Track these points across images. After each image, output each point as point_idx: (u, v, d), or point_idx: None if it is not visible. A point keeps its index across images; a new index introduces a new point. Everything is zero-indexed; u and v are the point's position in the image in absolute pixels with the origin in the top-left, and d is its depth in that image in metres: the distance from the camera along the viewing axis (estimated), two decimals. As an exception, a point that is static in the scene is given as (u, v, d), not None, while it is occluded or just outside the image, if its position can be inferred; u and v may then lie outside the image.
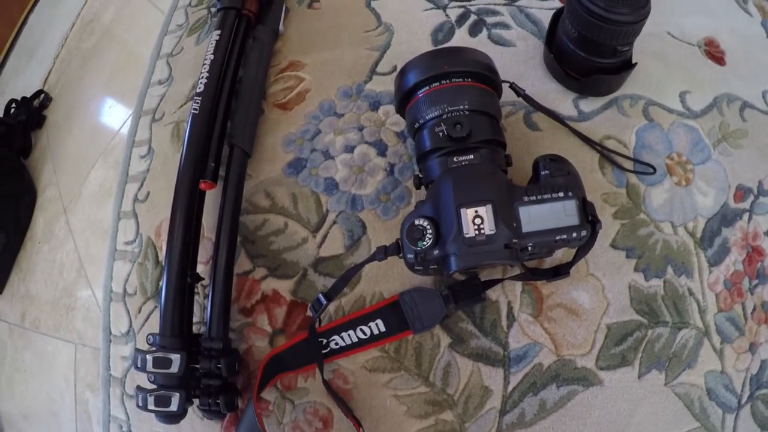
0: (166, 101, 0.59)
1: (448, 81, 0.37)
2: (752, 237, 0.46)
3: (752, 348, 0.44)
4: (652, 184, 0.46)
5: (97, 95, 0.75)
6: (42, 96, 0.86)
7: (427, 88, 0.38)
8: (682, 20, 0.58)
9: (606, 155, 0.46)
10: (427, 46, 0.52)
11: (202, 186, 0.47)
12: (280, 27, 0.55)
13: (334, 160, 0.47)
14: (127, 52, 0.73)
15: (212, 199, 0.49)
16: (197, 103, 0.48)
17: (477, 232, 0.32)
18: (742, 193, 0.47)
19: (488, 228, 0.32)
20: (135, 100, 0.64)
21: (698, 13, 0.60)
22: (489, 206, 0.32)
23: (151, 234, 0.54)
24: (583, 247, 0.36)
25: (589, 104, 0.49)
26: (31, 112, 0.84)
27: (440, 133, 0.36)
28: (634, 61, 0.47)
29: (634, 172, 0.46)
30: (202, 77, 0.48)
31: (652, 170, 0.46)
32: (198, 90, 0.48)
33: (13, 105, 0.86)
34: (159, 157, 0.56)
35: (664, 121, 0.49)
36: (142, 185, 0.57)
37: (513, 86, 0.44)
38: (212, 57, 0.49)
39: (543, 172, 0.35)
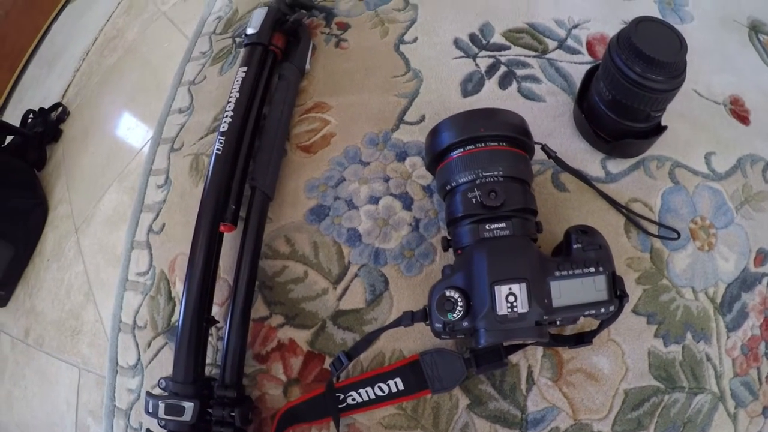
0: (186, 131, 0.58)
1: (483, 144, 0.37)
2: None
3: (765, 412, 0.43)
4: (675, 249, 0.45)
5: (116, 114, 0.74)
6: (60, 109, 0.84)
7: (462, 150, 0.37)
8: (709, 78, 0.57)
9: (632, 219, 0.45)
10: (457, 97, 0.51)
11: (222, 228, 0.46)
12: (307, 65, 0.54)
13: (358, 210, 0.46)
14: (149, 74, 0.73)
15: (231, 240, 0.48)
16: (220, 143, 0.47)
17: (510, 310, 0.31)
18: (762, 257, 0.46)
19: (521, 306, 0.31)
20: (154, 125, 0.63)
21: (725, 70, 0.59)
22: (524, 285, 0.32)
23: (165, 268, 0.53)
24: (608, 320, 0.36)
25: (616, 165, 0.48)
26: (48, 125, 0.83)
27: (473, 200, 0.35)
28: (663, 124, 0.46)
29: (660, 237, 0.45)
30: (227, 116, 0.47)
31: (676, 236, 0.45)
32: (222, 129, 0.47)
33: (31, 115, 0.85)
34: (176, 189, 0.55)
35: (689, 184, 0.49)
36: (157, 216, 0.56)
37: (545, 148, 0.43)
38: (237, 95, 0.48)
39: (575, 246, 0.35)
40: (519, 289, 0.31)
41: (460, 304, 0.32)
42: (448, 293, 0.32)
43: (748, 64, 0.61)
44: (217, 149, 0.46)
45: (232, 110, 0.48)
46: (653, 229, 0.46)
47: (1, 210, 0.71)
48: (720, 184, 0.49)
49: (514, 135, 0.38)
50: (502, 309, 0.31)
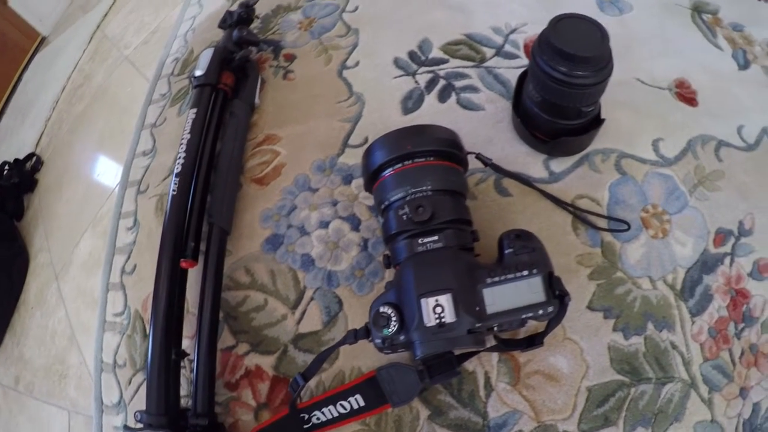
0: (151, 173, 0.62)
1: (411, 162, 0.39)
2: (735, 280, 0.46)
3: (743, 393, 0.44)
4: (627, 241, 0.47)
5: (87, 161, 0.79)
6: (34, 159, 0.90)
7: (391, 169, 0.40)
8: (652, 64, 0.59)
9: (578, 216, 0.48)
10: (397, 115, 0.55)
11: (183, 265, 0.49)
12: (256, 100, 0.58)
13: (310, 236, 0.50)
14: (116, 119, 0.78)
15: (196, 274, 0.52)
16: (176, 183, 0.51)
17: (438, 321, 0.33)
18: (722, 236, 0.48)
19: (449, 316, 0.33)
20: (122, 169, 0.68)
21: (667, 54, 0.61)
22: (449, 295, 0.34)
23: (139, 307, 0.57)
24: (554, 320, 0.38)
25: (559, 164, 0.51)
26: (24, 175, 0.88)
27: (404, 216, 0.38)
28: (603, 116, 0.48)
29: (608, 230, 0.47)
30: (180, 157, 0.52)
31: (626, 227, 0.47)
32: (176, 171, 0.51)
33: (6, 167, 0.90)
34: (144, 229, 0.60)
35: (637, 173, 0.50)
36: (129, 257, 0.60)
37: (479, 157, 0.46)
38: (189, 136, 0.52)
39: (507, 251, 0.36)
40: (445, 299, 0.34)
41: (393, 319, 0.35)
42: (381, 309, 0.35)
43: (691, 45, 0.63)
44: (173, 190, 0.51)
45: (184, 152, 0.52)
46: (602, 223, 0.47)
47: (-16, 262, 0.76)
48: (670, 169, 0.51)
49: (442, 149, 0.40)
50: (431, 321, 0.33)
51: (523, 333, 0.44)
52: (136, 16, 0.97)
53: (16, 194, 0.87)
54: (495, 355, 0.44)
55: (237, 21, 0.62)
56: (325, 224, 0.50)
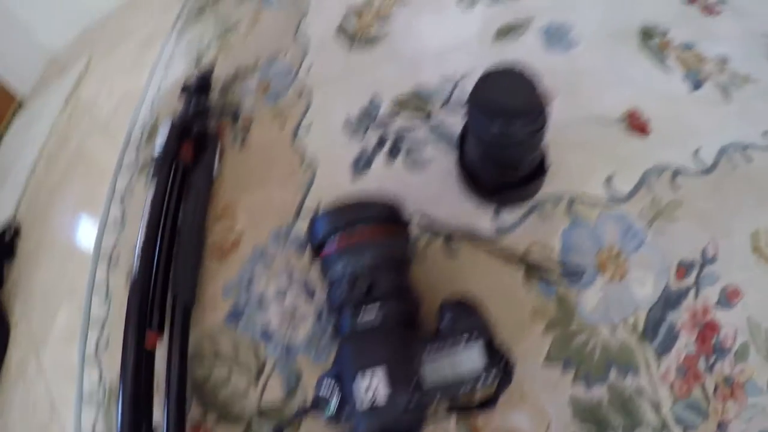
0: (121, 245, 0.66)
1: (349, 235, 0.41)
2: (702, 313, 0.46)
3: (721, 427, 0.43)
4: (583, 288, 0.47)
5: (64, 229, 0.82)
6: (12, 227, 0.93)
7: (332, 244, 0.42)
8: (601, 98, 0.61)
9: (528, 269, 0.48)
10: (348, 179, 0.58)
11: (149, 343, 0.51)
12: (215, 170, 0.61)
13: (268, 307, 0.52)
14: (90, 187, 0.81)
15: (163, 348, 0.54)
16: (138, 259, 0.53)
17: (373, 399, 0.34)
18: (684, 269, 0.47)
19: (382, 393, 0.34)
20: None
21: (617, 85, 0.62)
22: (383, 371, 0.35)
23: (114, 380, 0.59)
24: (502, 383, 0.38)
25: (509, 216, 0.52)
26: (3, 243, 0.91)
27: (344, 290, 0.40)
28: (552, 159, 0.50)
29: (561, 280, 0.47)
30: (141, 234, 0.55)
31: (579, 274, 0.47)
32: (138, 246, 0.54)
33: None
34: (116, 302, 0.62)
35: (590, 216, 0.51)
36: (102, 330, 0.63)
37: (420, 221, 0.48)
38: (149, 211, 0.56)
39: (444, 321, 0.38)
40: (379, 376, 0.35)
41: (333, 400, 0.36)
42: (321, 393, 0.37)
43: (641, 72, 0.64)
44: (135, 267, 0.53)
45: (145, 227, 0.55)
46: (555, 273, 0.48)
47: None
48: (625, 207, 0.51)
49: (381, 220, 0.42)
50: (366, 398, 0.35)
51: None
52: (107, 81, 1.02)
53: (-3, 263, 0.90)
54: (452, 420, 0.45)
55: (195, 91, 0.66)
56: (282, 295, 0.52)
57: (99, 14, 1.48)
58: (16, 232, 0.92)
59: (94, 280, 0.67)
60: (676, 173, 0.53)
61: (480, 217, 0.52)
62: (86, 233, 0.77)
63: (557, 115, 0.57)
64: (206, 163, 0.60)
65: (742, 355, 0.44)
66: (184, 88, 0.68)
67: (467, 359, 0.36)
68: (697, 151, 0.55)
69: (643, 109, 0.59)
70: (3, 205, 1.02)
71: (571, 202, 0.52)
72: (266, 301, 0.53)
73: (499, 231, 0.51)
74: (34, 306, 0.80)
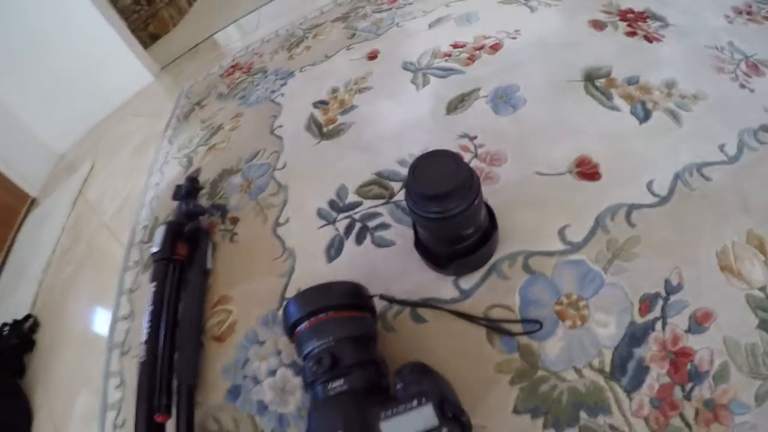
0: (131, 335, 0.74)
1: (314, 318, 0.46)
2: (672, 343, 0.47)
3: None
4: (544, 339, 0.49)
5: (79, 323, 0.91)
6: (31, 320, 1.02)
7: (301, 326, 0.47)
8: (550, 152, 0.66)
9: (490, 327, 0.52)
10: (323, 264, 0.65)
11: (158, 419, 0.59)
12: (209, 265, 0.70)
13: (262, 384, 0.59)
14: (100, 284, 0.91)
15: (172, 428, 0.61)
16: (143, 350, 0.62)
17: None
18: (648, 303, 0.49)
19: None
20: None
21: (564, 136, 0.67)
22: None
23: (130, 456, 0.65)
24: None
25: (468, 281, 0.56)
26: (22, 336, 0.99)
27: (312, 367, 0.44)
28: (505, 221, 0.55)
29: (521, 334, 0.50)
30: (144, 327, 0.63)
31: (538, 326, 0.50)
32: (143, 339, 0.63)
33: (6, 328, 1.02)
34: (129, 387, 0.70)
35: (546, 268, 0.54)
36: (119, 413, 0.70)
37: (383, 297, 0.55)
38: (151, 308, 0.64)
39: (398, 386, 0.40)
40: None
41: None
42: None
43: (588, 118, 0.69)
44: (141, 357, 0.61)
45: (148, 322, 0.63)
46: (517, 327, 0.51)
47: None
48: (581, 254, 0.54)
49: (342, 302, 0.48)
50: None
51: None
52: (111, 182, 1.15)
53: (17, 354, 0.97)
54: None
55: (185, 194, 0.76)
56: (273, 372, 0.59)
57: (100, 115, 1.65)
58: (34, 325, 1.01)
59: (109, 368, 0.75)
60: (630, 210, 0.56)
61: (442, 286, 0.57)
62: (99, 325, 0.86)
63: (507, 177, 0.66)
64: (199, 259, 0.70)
65: (721, 376, 0.44)
66: (176, 192, 0.78)
67: (420, 420, 0.37)
68: (650, 184, 0.58)
69: (592, 154, 0.64)
70: (21, 299, 1.11)
71: (527, 258, 0.56)
72: (260, 379, 0.59)
73: (462, 295, 0.55)
74: (54, 393, 0.87)
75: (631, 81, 0.72)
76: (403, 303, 0.55)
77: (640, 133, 0.65)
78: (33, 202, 1.46)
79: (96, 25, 1.59)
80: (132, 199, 0.99)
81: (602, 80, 0.73)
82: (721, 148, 0.61)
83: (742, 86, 0.69)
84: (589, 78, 0.74)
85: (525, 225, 0.58)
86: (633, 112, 0.67)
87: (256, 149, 0.90)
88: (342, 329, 0.47)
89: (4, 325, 1.03)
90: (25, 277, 1.18)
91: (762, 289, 0.48)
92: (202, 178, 0.89)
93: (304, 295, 0.50)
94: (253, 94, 1.10)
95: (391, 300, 0.55)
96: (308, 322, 0.47)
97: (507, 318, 0.52)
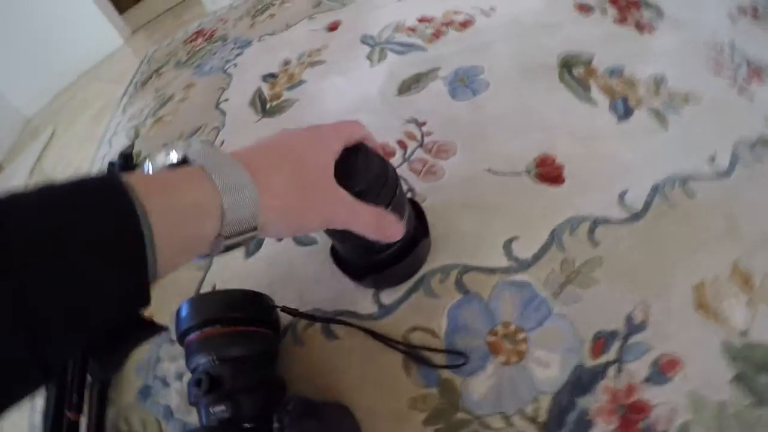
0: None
1: (202, 330, 0.41)
2: (626, 394, 0.38)
3: None
4: (471, 374, 0.41)
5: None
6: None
7: (189, 336, 0.42)
8: (508, 146, 0.56)
9: (408, 354, 0.43)
10: (240, 261, 0.57)
11: (71, 416, 0.55)
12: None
13: (170, 387, 0.54)
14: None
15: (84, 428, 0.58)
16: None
17: None
18: (602, 341, 0.40)
19: None
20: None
21: (528, 130, 0.57)
22: None
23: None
24: None
25: (391, 295, 0.47)
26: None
27: (193, 389, 0.39)
28: (443, 226, 0.47)
29: (443, 367, 0.42)
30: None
31: (462, 361, 0.42)
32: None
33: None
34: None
35: (483, 288, 0.45)
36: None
37: (284, 309, 0.47)
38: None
39: (275, 426, 0.36)
40: None
41: None
42: None
43: (557, 109, 0.59)
44: None
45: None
46: (440, 357, 0.42)
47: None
48: (527, 274, 0.45)
49: (236, 315, 0.41)
50: None
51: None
52: (66, 151, 1.08)
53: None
54: None
55: (117, 170, 0.71)
56: (180, 376, 0.54)
57: (69, 79, 1.58)
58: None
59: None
60: (595, 225, 0.47)
61: (360, 298, 0.48)
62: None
63: (453, 172, 0.56)
64: None
65: (682, 438, 0.35)
66: (109, 170, 0.73)
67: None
68: (623, 195, 0.49)
69: (558, 153, 0.54)
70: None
71: (462, 274, 0.46)
72: (168, 382, 0.54)
73: (380, 312, 0.47)
74: None
75: (614, 72, 0.62)
76: (309, 317, 0.48)
77: (617, 132, 0.55)
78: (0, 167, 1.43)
79: None
80: (82, 170, 0.93)
81: (581, 68, 0.63)
82: (711, 159, 0.51)
83: (741, 92, 0.59)
84: (566, 65, 0.64)
85: (466, 232, 0.49)
86: (612, 108, 0.57)
87: (198, 124, 0.83)
88: (228, 347, 0.41)
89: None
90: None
91: (743, 334, 0.39)
92: (144, 152, 0.83)
93: (197, 302, 0.44)
94: (208, 64, 1.02)
95: (295, 313, 0.47)
96: (198, 332, 0.42)
97: (428, 345, 0.43)
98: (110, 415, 0.57)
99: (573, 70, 0.63)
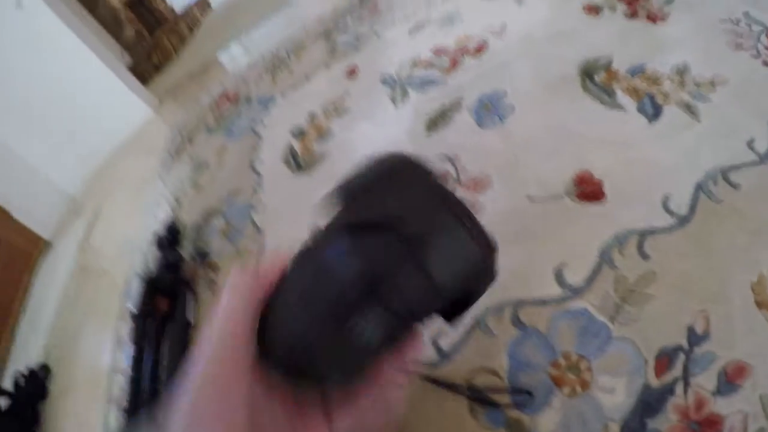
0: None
1: None
2: (695, 409, 0.37)
3: None
4: (537, 410, 0.40)
5: (85, 371, 0.93)
6: (43, 368, 1.05)
7: None
8: (543, 170, 0.56)
9: (472, 397, 0.43)
10: None
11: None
12: (190, 318, 0.69)
13: None
14: (103, 333, 0.92)
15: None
16: (126, 407, 0.62)
17: None
18: (666, 359, 0.40)
19: None
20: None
21: (559, 149, 0.57)
22: None
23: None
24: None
25: (448, 340, 0.47)
26: (37, 384, 1.03)
27: None
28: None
29: (509, 406, 0.42)
30: (125, 393, 0.63)
31: (527, 398, 0.41)
32: (123, 406, 0.63)
33: (21, 377, 1.06)
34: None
35: (540, 321, 0.45)
36: None
37: None
38: (131, 374, 0.64)
39: None
40: None
41: None
42: None
43: (586, 120, 0.59)
44: (125, 410, 0.62)
45: (129, 387, 0.63)
46: (505, 398, 0.42)
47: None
48: (581, 300, 0.45)
49: None
50: None
51: None
52: (113, 226, 1.17)
53: (32, 403, 1.01)
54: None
55: (166, 244, 0.76)
56: None
57: (105, 154, 1.70)
58: (46, 373, 1.05)
59: (108, 423, 0.75)
60: (643, 237, 0.46)
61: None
62: (102, 376, 0.87)
63: (492, 207, 0.57)
64: (179, 313, 0.68)
65: (758, 446, 0.34)
66: (157, 243, 0.78)
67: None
68: (666, 201, 0.48)
69: (594, 167, 0.54)
70: (35, 347, 1.16)
71: (517, 309, 0.46)
72: None
73: (440, 358, 0.46)
74: None
75: (635, 71, 0.61)
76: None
77: (650, 135, 0.54)
78: (47, 244, 1.53)
79: (93, 67, 1.67)
80: (130, 245, 1.00)
81: (601, 73, 0.63)
82: (750, 144, 0.50)
83: (767, 63, 0.57)
84: (587, 72, 0.64)
85: (514, 266, 0.48)
86: (640, 110, 0.57)
87: (235, 187, 0.88)
88: None
89: (21, 374, 1.08)
90: (39, 322, 1.23)
91: (812, 328, 0.38)
92: (189, 221, 0.88)
93: None
94: (236, 125, 1.08)
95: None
96: None
97: (492, 386, 0.43)
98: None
99: (594, 77, 0.64)
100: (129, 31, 2.66)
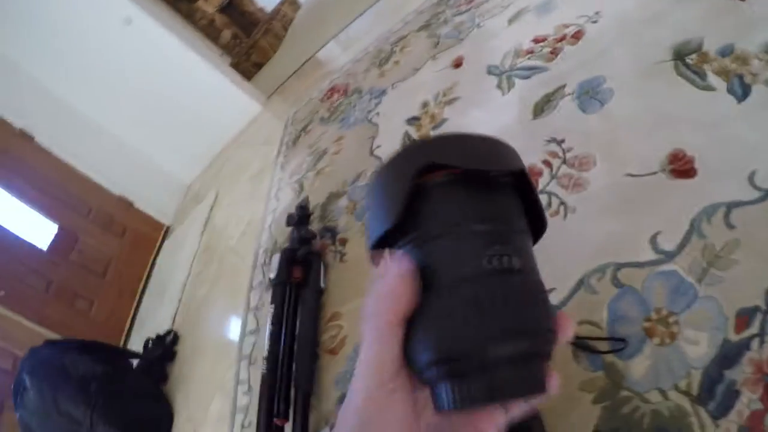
0: (257, 349, 0.88)
1: None
2: None
3: None
4: (630, 357, 0.48)
5: (212, 336, 1.10)
6: (172, 334, 1.23)
7: None
8: (639, 148, 0.62)
9: (575, 344, 0.51)
10: None
11: (277, 422, 0.70)
12: (322, 284, 0.81)
13: None
14: (230, 301, 1.08)
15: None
16: (264, 365, 0.76)
17: None
18: (745, 318, 0.45)
19: None
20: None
21: (655, 129, 0.62)
22: None
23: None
24: None
25: (555, 295, 0.55)
26: (165, 348, 1.21)
27: None
28: (593, 233, 0.54)
29: (607, 352, 0.49)
30: (266, 344, 0.77)
31: (622, 345, 0.49)
32: (264, 355, 0.77)
33: (150, 342, 1.24)
34: (256, 393, 0.84)
35: (636, 281, 0.52)
36: (246, 415, 0.84)
37: None
38: (271, 327, 0.79)
39: None
40: None
41: None
42: None
43: (680, 103, 0.63)
44: (263, 369, 0.75)
45: (268, 339, 0.78)
46: (603, 345, 0.50)
47: (138, 419, 1.05)
48: (673, 264, 0.51)
49: None
50: None
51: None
52: (234, 209, 1.34)
53: (161, 364, 1.20)
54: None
55: (297, 221, 0.88)
56: None
57: (218, 146, 1.93)
58: (175, 338, 1.22)
59: (238, 376, 0.89)
60: (729, 209, 0.51)
61: None
62: (231, 338, 1.03)
63: (597, 182, 0.65)
64: (312, 280, 0.82)
65: (826, 403, 0.40)
66: (288, 220, 0.91)
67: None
68: (752, 176, 0.52)
69: (687, 146, 0.59)
70: (163, 316, 1.35)
71: (617, 270, 0.54)
72: None
73: None
74: (192, 399, 1.07)
75: (725, 52, 0.64)
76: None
77: (739, 114, 0.57)
78: (168, 229, 1.76)
79: (200, 69, 1.92)
80: (253, 224, 1.16)
81: (693, 56, 0.66)
82: None
83: None
84: (679, 56, 0.68)
85: (613, 235, 0.57)
86: (730, 90, 0.60)
87: (358, 171, 1.01)
88: None
89: (149, 339, 1.27)
90: (166, 296, 1.43)
91: None
92: (312, 203, 1.03)
93: None
94: (352, 116, 1.21)
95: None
96: None
97: (593, 335, 0.51)
98: (312, 420, 0.70)
99: (687, 60, 0.67)
100: (226, 35, 2.94)
